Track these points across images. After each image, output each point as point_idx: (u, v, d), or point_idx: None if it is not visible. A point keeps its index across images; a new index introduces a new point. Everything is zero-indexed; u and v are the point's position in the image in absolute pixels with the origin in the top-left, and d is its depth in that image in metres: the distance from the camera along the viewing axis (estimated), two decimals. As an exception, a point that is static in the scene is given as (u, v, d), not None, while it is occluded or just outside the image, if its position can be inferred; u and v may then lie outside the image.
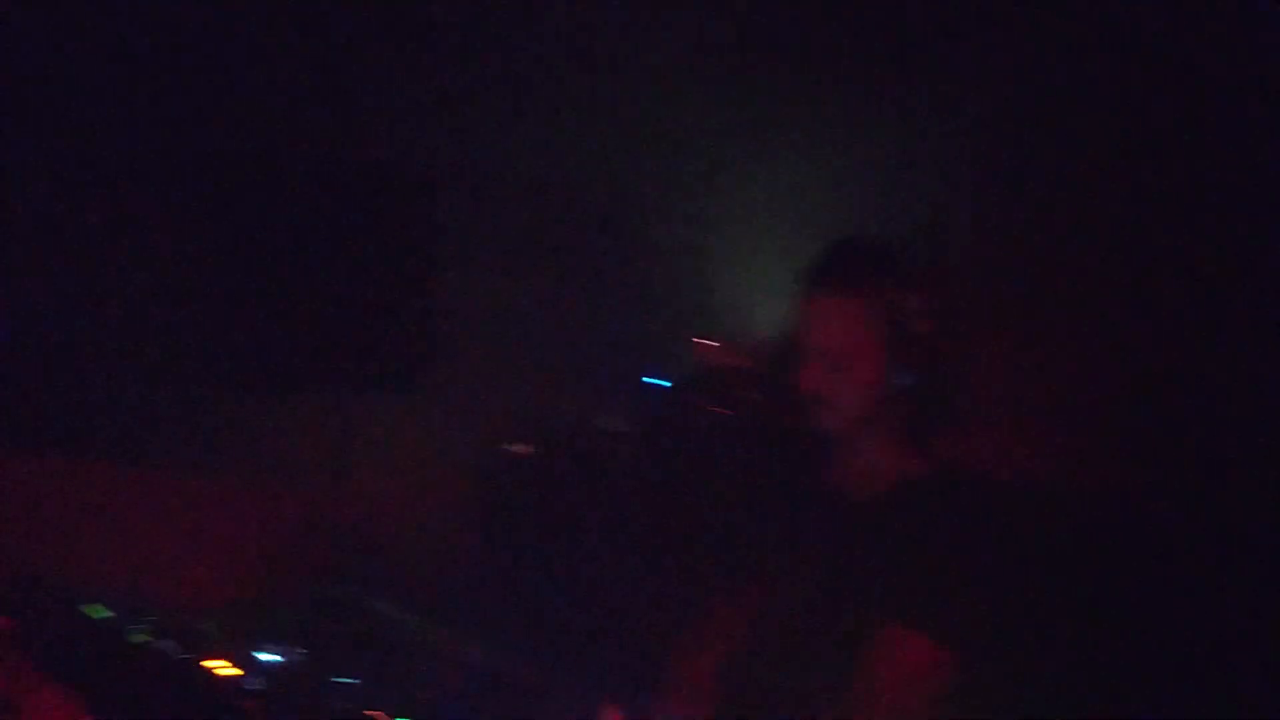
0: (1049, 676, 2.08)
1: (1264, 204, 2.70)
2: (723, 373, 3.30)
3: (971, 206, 3.04)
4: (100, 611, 1.64)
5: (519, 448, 3.63)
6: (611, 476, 3.51)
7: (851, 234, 1.83)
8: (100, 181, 2.90)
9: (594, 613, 3.16)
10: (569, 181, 3.42)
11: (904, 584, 1.64)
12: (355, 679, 1.84)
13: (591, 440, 3.53)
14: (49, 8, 2.67)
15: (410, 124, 3.34)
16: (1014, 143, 3.01)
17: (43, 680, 1.45)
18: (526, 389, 3.54)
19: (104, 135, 2.92)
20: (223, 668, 1.74)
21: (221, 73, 3.00)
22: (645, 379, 3.51)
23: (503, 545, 3.54)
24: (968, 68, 3.05)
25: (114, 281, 2.79)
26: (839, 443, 1.84)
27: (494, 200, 3.49)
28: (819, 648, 1.70)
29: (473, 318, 3.44)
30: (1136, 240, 2.81)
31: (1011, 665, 1.75)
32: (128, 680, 1.53)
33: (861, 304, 1.74)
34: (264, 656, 1.85)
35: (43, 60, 2.70)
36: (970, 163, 3.04)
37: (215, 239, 2.98)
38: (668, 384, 3.47)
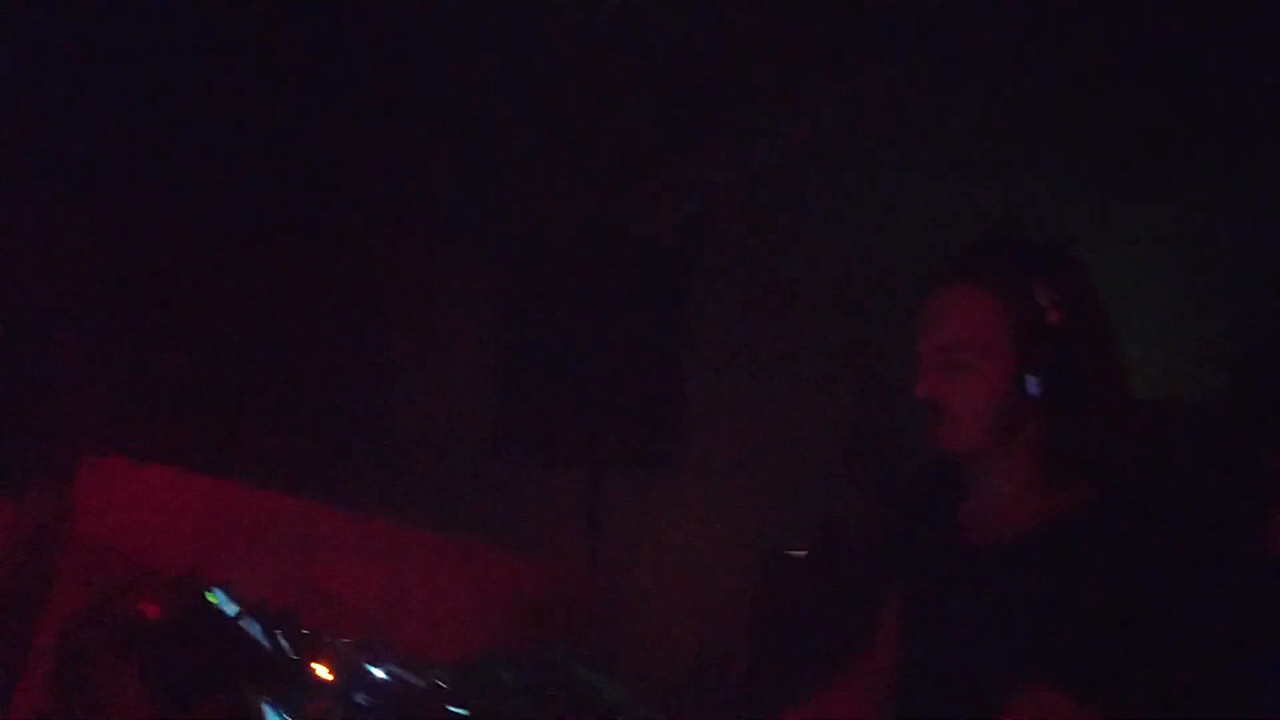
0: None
1: None
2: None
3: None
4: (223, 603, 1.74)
5: (797, 552, 3.43)
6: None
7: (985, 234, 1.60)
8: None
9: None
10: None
11: (1046, 638, 1.41)
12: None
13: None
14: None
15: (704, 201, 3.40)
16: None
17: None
18: (801, 487, 3.36)
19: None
20: (323, 670, 1.78)
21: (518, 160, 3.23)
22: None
23: (770, 651, 3.32)
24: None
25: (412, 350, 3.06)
26: (968, 471, 1.61)
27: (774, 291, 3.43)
28: (957, 707, 1.49)
29: (745, 412, 3.37)
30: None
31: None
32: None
33: (978, 291, 1.52)
34: (379, 673, 1.86)
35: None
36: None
37: (502, 316, 3.19)
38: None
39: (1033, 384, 1.47)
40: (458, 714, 1.82)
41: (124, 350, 2.57)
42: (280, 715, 1.43)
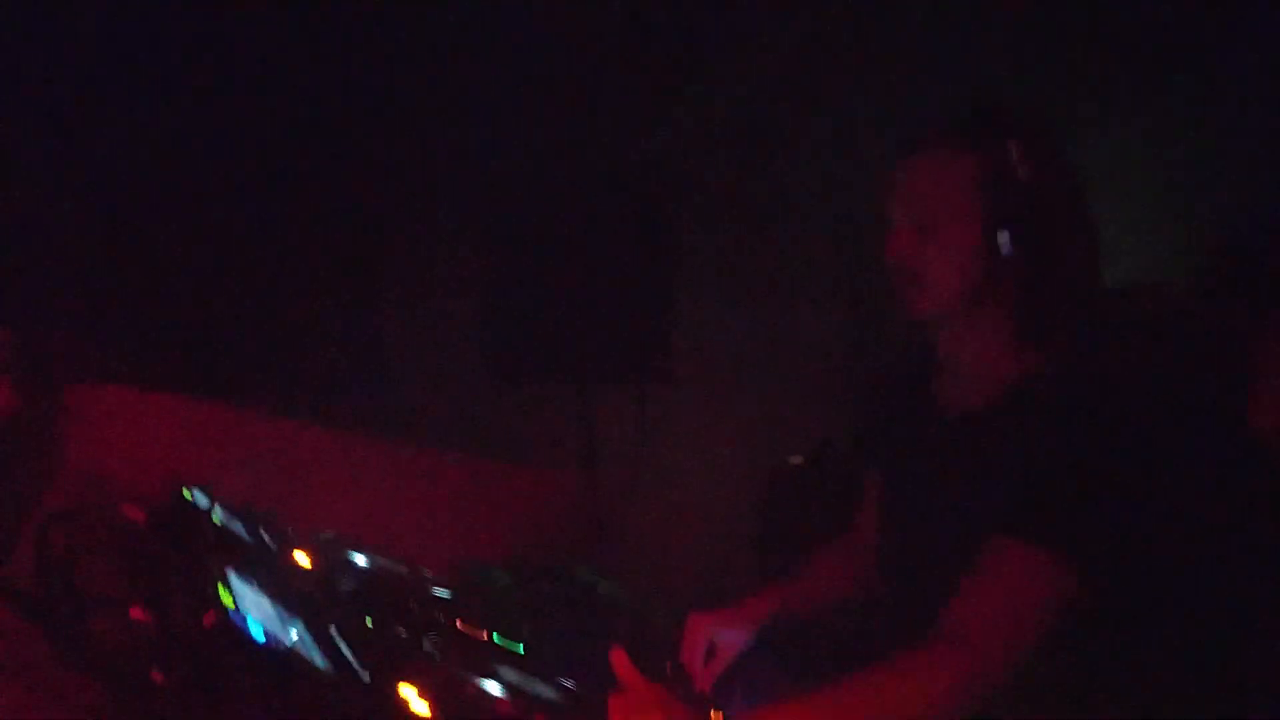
0: (1186, 599, 1.55)
1: None
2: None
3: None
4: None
5: (796, 459, 3.44)
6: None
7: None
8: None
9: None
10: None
11: (1019, 497, 1.39)
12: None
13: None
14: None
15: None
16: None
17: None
18: (797, 397, 3.35)
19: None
20: (304, 558, 1.79)
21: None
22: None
23: (774, 556, 3.34)
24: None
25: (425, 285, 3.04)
26: (939, 340, 1.59)
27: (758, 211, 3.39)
28: (933, 568, 1.47)
29: (742, 326, 3.36)
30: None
31: (1145, 584, 1.43)
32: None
33: (948, 155, 1.49)
34: (361, 560, 1.87)
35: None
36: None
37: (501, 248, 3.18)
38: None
39: (1004, 240, 1.44)
40: (441, 596, 1.83)
41: (113, 272, 2.55)
42: (257, 593, 1.42)
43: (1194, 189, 2.94)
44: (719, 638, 1.71)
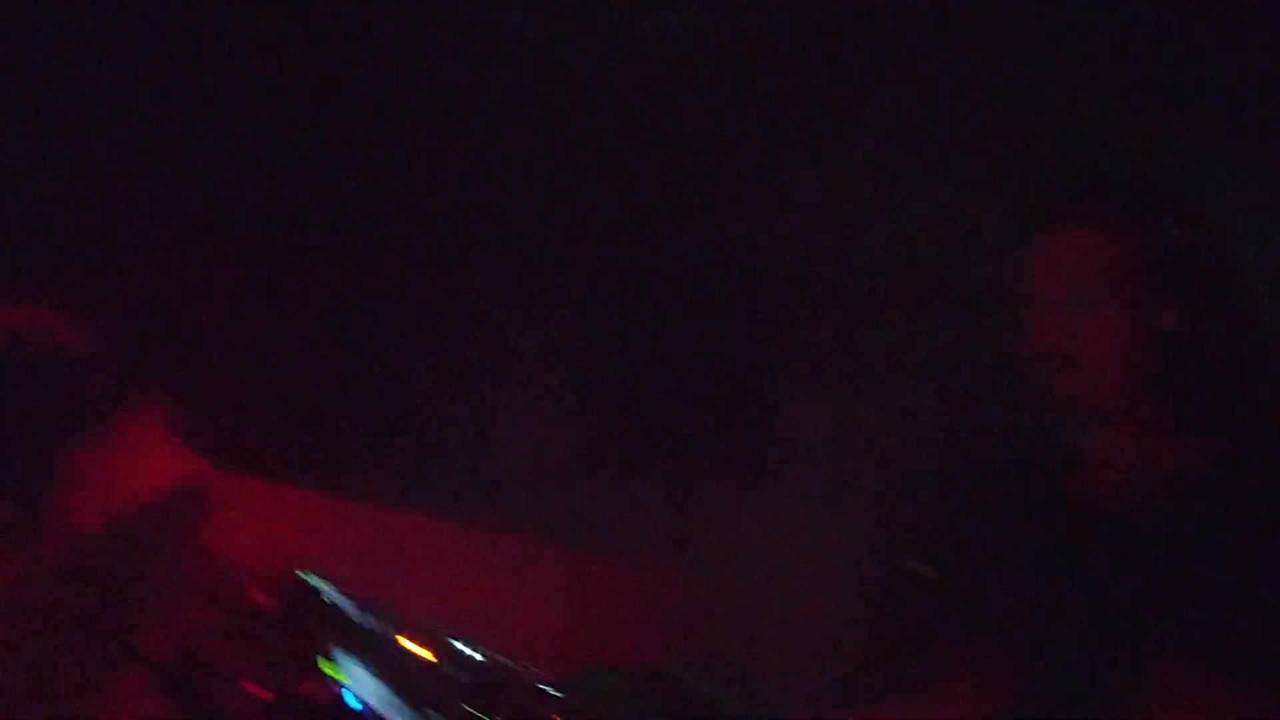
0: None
1: None
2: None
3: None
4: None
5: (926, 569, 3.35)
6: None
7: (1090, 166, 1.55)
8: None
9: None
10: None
11: (1186, 613, 1.29)
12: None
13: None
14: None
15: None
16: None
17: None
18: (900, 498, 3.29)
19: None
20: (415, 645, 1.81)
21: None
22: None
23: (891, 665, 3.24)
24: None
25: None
26: (1092, 425, 1.45)
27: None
28: (1092, 689, 1.37)
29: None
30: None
31: None
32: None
33: (1098, 225, 1.40)
34: (473, 652, 1.88)
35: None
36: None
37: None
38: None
39: (1168, 315, 1.36)
40: (552, 694, 1.84)
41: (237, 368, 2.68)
42: (364, 670, 1.46)
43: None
44: None
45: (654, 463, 3.00)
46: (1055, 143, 2.83)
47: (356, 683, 1.43)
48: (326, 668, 1.42)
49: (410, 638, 1.79)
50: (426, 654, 1.75)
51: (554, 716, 1.63)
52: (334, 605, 1.72)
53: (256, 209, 2.89)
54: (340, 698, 1.35)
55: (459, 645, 1.85)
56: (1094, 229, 1.41)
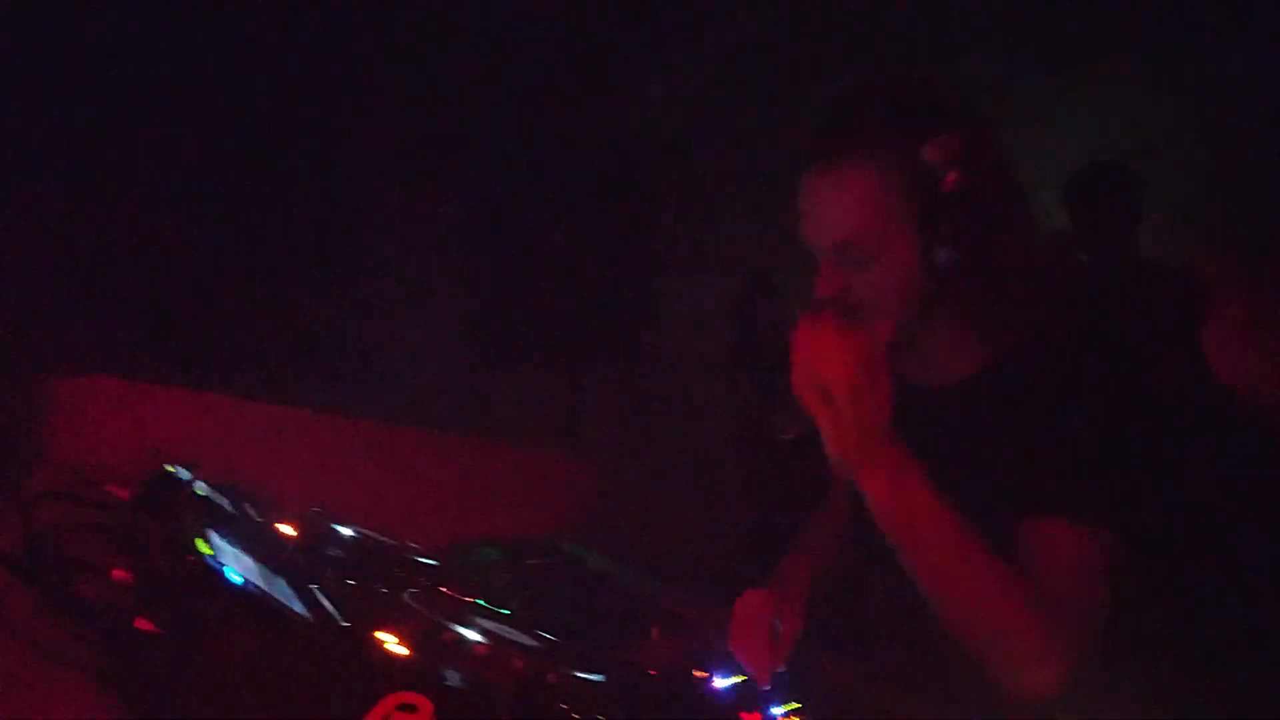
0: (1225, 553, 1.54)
1: None
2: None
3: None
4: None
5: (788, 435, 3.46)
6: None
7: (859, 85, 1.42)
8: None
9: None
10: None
11: (1035, 470, 1.35)
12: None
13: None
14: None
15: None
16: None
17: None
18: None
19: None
20: (290, 529, 1.81)
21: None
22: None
23: (764, 531, 3.36)
24: None
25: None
26: (901, 336, 1.47)
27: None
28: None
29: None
30: None
31: (1177, 539, 1.43)
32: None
33: (863, 170, 1.37)
34: (347, 531, 1.89)
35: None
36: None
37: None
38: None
39: (943, 257, 1.36)
40: (428, 563, 1.85)
41: (98, 264, 2.57)
42: (238, 550, 1.45)
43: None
44: (779, 619, 1.57)
45: (543, 348, 3.02)
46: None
47: (232, 561, 1.43)
48: (203, 548, 1.41)
49: (284, 520, 1.78)
50: (302, 534, 1.75)
51: (430, 584, 1.65)
52: (204, 495, 1.70)
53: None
54: (220, 574, 1.34)
55: (334, 525, 1.86)
56: (852, 179, 1.37)
